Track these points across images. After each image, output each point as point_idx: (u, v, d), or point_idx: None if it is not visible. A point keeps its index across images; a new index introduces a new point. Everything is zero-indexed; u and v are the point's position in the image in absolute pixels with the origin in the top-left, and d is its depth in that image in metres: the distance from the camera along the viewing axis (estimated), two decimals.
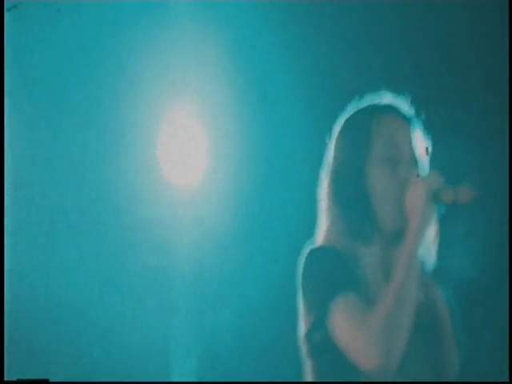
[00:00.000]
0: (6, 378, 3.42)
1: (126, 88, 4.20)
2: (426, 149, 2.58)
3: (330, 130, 2.61)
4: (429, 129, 4.33)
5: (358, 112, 2.58)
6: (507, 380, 3.60)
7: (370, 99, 2.62)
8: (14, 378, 3.06)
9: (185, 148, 4.36)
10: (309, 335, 2.44)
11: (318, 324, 2.40)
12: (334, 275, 2.41)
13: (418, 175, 2.47)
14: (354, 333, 2.33)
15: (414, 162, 2.53)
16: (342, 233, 2.50)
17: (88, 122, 4.22)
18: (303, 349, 2.47)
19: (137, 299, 4.30)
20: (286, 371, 3.41)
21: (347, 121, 2.59)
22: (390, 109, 2.57)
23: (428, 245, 2.51)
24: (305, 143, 4.08)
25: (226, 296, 4.33)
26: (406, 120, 2.56)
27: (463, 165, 4.43)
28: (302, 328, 2.46)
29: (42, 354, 4.11)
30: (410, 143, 2.53)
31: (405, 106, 2.60)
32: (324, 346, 2.40)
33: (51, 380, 2.87)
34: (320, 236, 2.55)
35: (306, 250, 2.50)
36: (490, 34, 4.25)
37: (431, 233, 2.50)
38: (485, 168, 4.39)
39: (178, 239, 4.31)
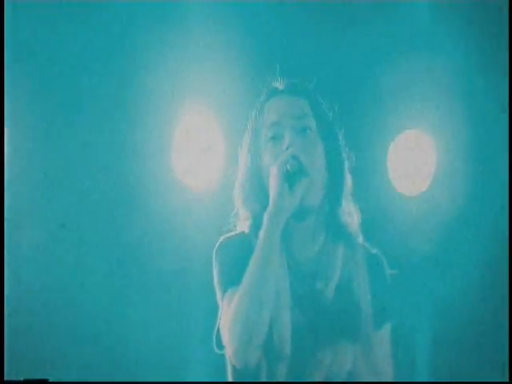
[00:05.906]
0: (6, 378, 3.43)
1: (140, 90, 4.19)
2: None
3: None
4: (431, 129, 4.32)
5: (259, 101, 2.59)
6: (507, 380, 3.61)
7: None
8: (14, 379, 3.07)
9: (201, 151, 4.33)
10: (217, 331, 2.42)
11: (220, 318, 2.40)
12: (232, 267, 2.40)
13: (287, 148, 2.41)
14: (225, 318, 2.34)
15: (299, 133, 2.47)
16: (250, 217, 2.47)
17: (101, 123, 4.20)
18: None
19: (151, 304, 4.29)
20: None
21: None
22: (280, 91, 2.59)
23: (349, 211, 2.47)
24: None
25: None
26: (297, 97, 2.57)
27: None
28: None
29: (44, 354, 4.11)
30: (295, 117, 2.50)
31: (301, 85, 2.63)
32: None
33: (51, 380, 2.87)
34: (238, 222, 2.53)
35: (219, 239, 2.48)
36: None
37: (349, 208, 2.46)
38: (484, 166, 4.39)
39: (195, 243, 4.28)
